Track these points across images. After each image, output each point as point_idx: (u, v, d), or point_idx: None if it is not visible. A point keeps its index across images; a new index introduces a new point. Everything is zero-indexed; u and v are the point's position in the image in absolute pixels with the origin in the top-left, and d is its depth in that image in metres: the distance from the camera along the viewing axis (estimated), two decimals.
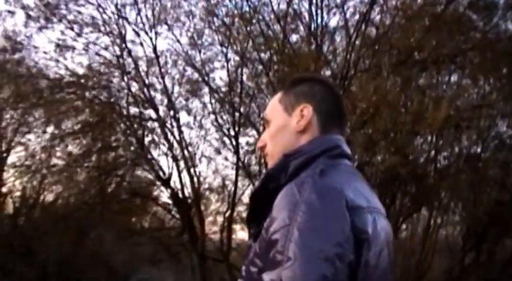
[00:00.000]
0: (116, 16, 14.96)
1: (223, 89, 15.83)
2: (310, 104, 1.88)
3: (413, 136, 11.95)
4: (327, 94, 1.94)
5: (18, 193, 26.89)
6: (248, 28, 14.18)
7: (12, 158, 24.28)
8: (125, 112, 15.89)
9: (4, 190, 27.05)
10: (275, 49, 14.37)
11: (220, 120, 16.00)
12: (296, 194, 1.57)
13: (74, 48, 14.83)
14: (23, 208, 26.04)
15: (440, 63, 12.91)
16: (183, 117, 18.20)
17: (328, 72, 14.14)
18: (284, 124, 1.91)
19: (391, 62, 12.83)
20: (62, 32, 14.56)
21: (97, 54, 15.16)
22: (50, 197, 26.19)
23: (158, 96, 15.92)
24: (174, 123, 15.78)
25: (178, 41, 15.50)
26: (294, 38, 14.96)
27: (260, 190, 1.81)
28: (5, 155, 27.76)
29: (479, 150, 16.89)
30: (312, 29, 13.86)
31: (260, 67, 14.90)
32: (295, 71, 13.03)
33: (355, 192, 1.65)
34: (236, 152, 15.51)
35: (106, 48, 15.15)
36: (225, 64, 15.46)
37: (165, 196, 17.48)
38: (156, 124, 16.04)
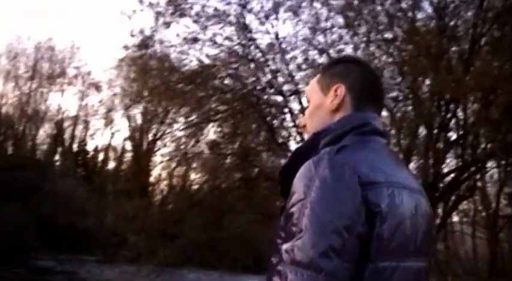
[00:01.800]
0: (239, 6, 15.32)
1: None
2: (343, 84, 1.96)
3: None
4: (361, 74, 2.01)
5: (165, 182, 28.57)
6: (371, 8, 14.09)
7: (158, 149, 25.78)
8: (253, 99, 16.20)
9: (152, 179, 28.85)
10: (401, 27, 14.16)
11: None
12: (312, 170, 1.67)
13: (200, 40, 15.34)
14: (170, 195, 27.49)
15: None
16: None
17: (453, 48, 13.71)
18: (320, 103, 2.01)
19: None
20: (187, 26, 15.16)
21: (222, 45, 15.58)
22: (195, 184, 27.53)
23: (282, 81, 16.10)
24: (299, 108, 15.92)
25: (311, 27, 15.63)
26: (420, 15, 14.63)
27: (288, 166, 1.88)
28: (150, 146, 29.49)
29: None
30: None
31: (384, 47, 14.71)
32: (419, 48, 12.79)
33: (372, 167, 1.71)
34: None
35: (231, 39, 15.56)
36: (349, 46, 15.34)
37: None
38: (283, 109, 16.25)
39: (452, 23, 14.08)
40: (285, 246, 1.63)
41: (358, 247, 1.59)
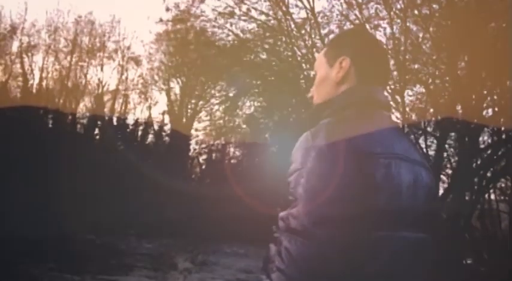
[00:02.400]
0: None
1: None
2: (349, 57, 1.99)
3: None
4: (366, 47, 2.05)
5: (204, 156, 28.80)
6: None
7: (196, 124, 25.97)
8: (290, 74, 16.21)
9: (190, 153, 29.06)
10: (438, 3, 14.00)
11: None
12: (310, 141, 1.72)
13: (235, 14, 15.37)
14: (208, 170, 27.73)
15: None
16: None
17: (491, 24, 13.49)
18: (326, 75, 2.04)
19: None
20: (225, 2, 15.22)
21: (257, 19, 15.58)
22: (233, 158, 27.71)
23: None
24: None
25: (347, 2, 15.52)
26: None
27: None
28: (189, 120, 29.69)
29: None
30: None
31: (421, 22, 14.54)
32: (456, 24, 12.64)
33: (369, 139, 1.75)
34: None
35: (266, 13, 15.54)
36: (386, 21, 15.21)
37: None
38: None
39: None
40: (281, 214, 1.70)
41: (353, 217, 1.62)
